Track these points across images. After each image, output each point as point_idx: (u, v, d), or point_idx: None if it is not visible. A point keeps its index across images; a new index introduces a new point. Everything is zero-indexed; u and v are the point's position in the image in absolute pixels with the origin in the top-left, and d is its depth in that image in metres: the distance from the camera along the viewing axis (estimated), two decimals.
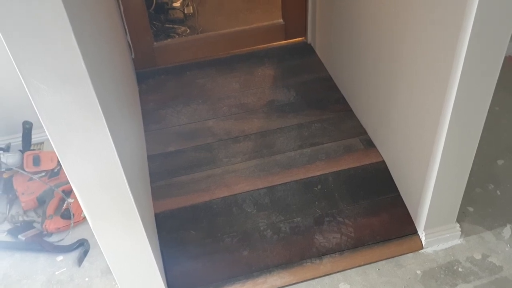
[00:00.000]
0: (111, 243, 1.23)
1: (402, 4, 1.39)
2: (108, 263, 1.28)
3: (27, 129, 1.91)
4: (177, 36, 2.56)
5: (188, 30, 2.62)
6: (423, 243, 1.58)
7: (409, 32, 1.38)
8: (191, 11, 2.76)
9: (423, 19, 1.29)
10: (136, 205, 1.17)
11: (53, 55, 0.85)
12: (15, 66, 0.84)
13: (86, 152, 1.01)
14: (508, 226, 1.65)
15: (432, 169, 1.41)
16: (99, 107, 0.95)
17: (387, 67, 1.57)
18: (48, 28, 0.82)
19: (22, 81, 0.86)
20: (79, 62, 0.88)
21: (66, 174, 1.03)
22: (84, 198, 1.09)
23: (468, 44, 1.11)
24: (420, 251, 1.58)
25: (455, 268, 1.53)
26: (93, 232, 1.18)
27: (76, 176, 1.05)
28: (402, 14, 1.40)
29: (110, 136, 1.00)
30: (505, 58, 2.57)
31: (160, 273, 1.40)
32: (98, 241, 1.20)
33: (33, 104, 0.90)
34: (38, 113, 0.91)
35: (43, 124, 0.93)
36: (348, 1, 1.80)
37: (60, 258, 1.65)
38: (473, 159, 1.40)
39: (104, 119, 0.97)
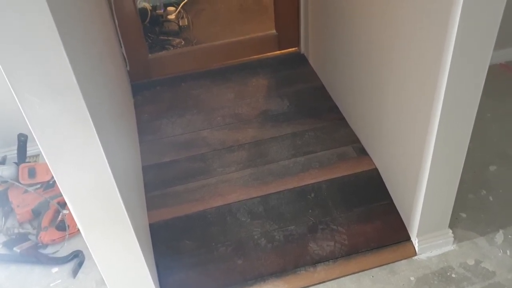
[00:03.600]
0: (105, 254, 1.24)
1: (390, 17, 1.41)
2: (102, 274, 1.28)
3: (22, 141, 1.92)
4: (172, 48, 2.58)
5: (183, 42, 2.65)
6: (417, 250, 1.59)
7: (397, 43, 1.40)
8: (186, 23, 2.79)
9: (410, 30, 1.32)
10: (128, 216, 1.18)
11: (43, 68, 0.87)
12: (6, 78, 0.86)
13: (77, 164, 1.02)
14: (501, 231, 1.65)
15: (423, 176, 1.42)
16: (90, 120, 0.97)
17: (378, 77, 1.59)
18: (38, 41, 0.84)
19: (13, 93, 0.88)
20: (70, 75, 0.90)
21: (59, 186, 1.04)
22: (77, 209, 1.10)
23: (452, 54, 1.13)
24: (413, 258, 1.59)
25: (448, 274, 1.53)
26: (86, 243, 1.18)
27: (69, 187, 1.06)
28: (390, 26, 1.43)
29: (101, 148, 1.02)
30: (497, 65, 2.62)
31: (155, 283, 1.41)
32: (91, 252, 1.21)
33: (24, 117, 0.91)
34: (29, 125, 0.93)
35: (34, 136, 0.95)
36: (339, 12, 1.83)
37: (55, 269, 1.65)
38: (462, 165, 1.41)
39: (95, 131, 0.99)
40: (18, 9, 0.80)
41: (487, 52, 1.16)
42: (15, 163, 1.91)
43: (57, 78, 0.88)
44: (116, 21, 2.10)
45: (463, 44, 1.12)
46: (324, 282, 1.53)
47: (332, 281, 1.53)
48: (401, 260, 1.58)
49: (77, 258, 1.66)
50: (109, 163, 1.05)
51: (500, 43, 1.17)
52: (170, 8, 2.82)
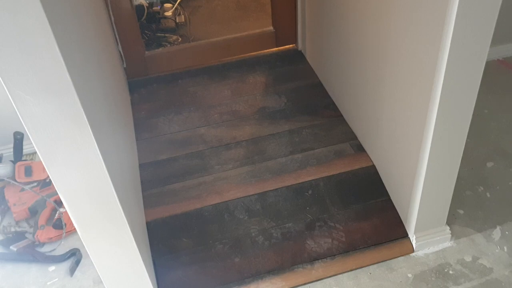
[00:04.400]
0: (101, 252, 1.24)
1: (386, 14, 1.41)
2: (98, 273, 1.28)
3: (18, 139, 1.91)
4: (168, 45, 2.57)
5: (180, 39, 2.64)
6: (414, 246, 1.59)
7: (394, 39, 1.40)
8: (183, 20, 2.78)
9: (406, 27, 1.31)
10: (125, 214, 1.17)
11: (37, 66, 0.86)
12: (0, 77, 0.85)
13: (73, 163, 1.02)
14: (498, 228, 1.66)
15: (420, 172, 1.42)
16: (85, 118, 0.96)
17: (375, 73, 1.58)
18: (32, 40, 0.83)
19: (7, 92, 0.87)
20: (64, 74, 0.89)
21: (54, 185, 1.04)
22: (72, 208, 1.10)
23: (449, 50, 1.12)
24: (411, 255, 1.59)
25: (445, 270, 1.53)
26: (83, 242, 1.18)
27: (64, 186, 1.05)
28: (386, 23, 1.42)
29: (97, 146, 1.01)
30: (494, 61, 2.61)
31: (152, 282, 1.40)
32: (88, 251, 1.20)
33: (19, 115, 0.91)
34: (24, 124, 0.92)
35: (29, 135, 0.94)
36: (336, 9, 1.83)
37: (52, 268, 1.65)
38: (459, 162, 1.41)
39: (90, 129, 0.98)
40: (11, 8, 0.79)
41: (484, 48, 1.16)
42: (11, 161, 1.90)
43: (51, 77, 0.88)
44: (113, 18, 2.09)
45: (460, 40, 1.11)
46: (321, 279, 1.53)
47: (329, 278, 1.53)
48: (399, 257, 1.58)
49: (74, 257, 1.66)
50: (105, 162, 1.05)
51: (497, 39, 1.17)
52: (167, 5, 2.81)
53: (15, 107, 0.90)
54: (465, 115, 1.29)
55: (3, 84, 0.86)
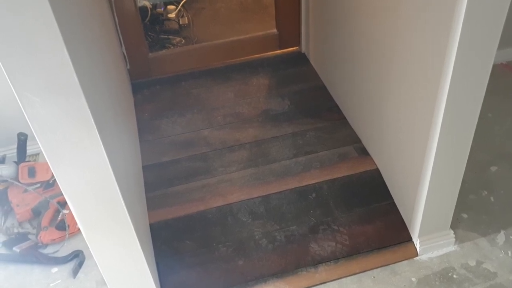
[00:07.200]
0: (105, 254, 1.23)
1: (392, 16, 1.40)
2: (102, 274, 1.28)
3: (22, 140, 1.91)
4: (172, 47, 2.57)
5: (183, 41, 2.64)
6: (418, 250, 1.58)
7: (399, 42, 1.40)
8: (186, 22, 2.78)
9: (412, 29, 1.31)
10: (129, 216, 1.17)
11: (45, 68, 0.86)
12: (7, 78, 0.85)
13: (79, 164, 1.01)
14: (502, 232, 1.65)
15: (425, 176, 1.42)
16: (92, 119, 0.96)
17: (379, 76, 1.58)
18: (40, 41, 0.83)
19: (15, 93, 0.87)
20: (72, 75, 0.89)
21: (60, 186, 1.04)
22: (77, 209, 1.10)
23: (456, 53, 1.12)
24: (415, 258, 1.58)
25: (450, 275, 1.53)
26: (87, 243, 1.18)
27: (69, 187, 1.05)
28: (392, 25, 1.42)
29: (103, 148, 1.01)
30: (498, 65, 2.61)
31: (155, 283, 1.40)
32: (92, 252, 1.20)
33: (26, 116, 0.91)
34: (30, 125, 0.92)
35: (35, 136, 0.94)
36: (340, 11, 1.83)
37: (55, 269, 1.64)
38: (465, 166, 1.41)
39: (97, 130, 0.98)
40: (19, 9, 0.79)
41: (491, 50, 1.15)
42: (14, 162, 1.90)
43: (59, 78, 0.87)
44: (117, 19, 2.09)
45: (467, 42, 1.11)
46: (325, 282, 1.53)
47: (333, 282, 1.53)
48: (403, 260, 1.58)
49: (77, 258, 1.65)
50: (110, 163, 1.05)
51: (501, 43, 1.16)
52: (170, 7, 2.81)
53: (22, 109, 0.89)
54: (471, 119, 1.29)
55: (11, 85, 0.86)
